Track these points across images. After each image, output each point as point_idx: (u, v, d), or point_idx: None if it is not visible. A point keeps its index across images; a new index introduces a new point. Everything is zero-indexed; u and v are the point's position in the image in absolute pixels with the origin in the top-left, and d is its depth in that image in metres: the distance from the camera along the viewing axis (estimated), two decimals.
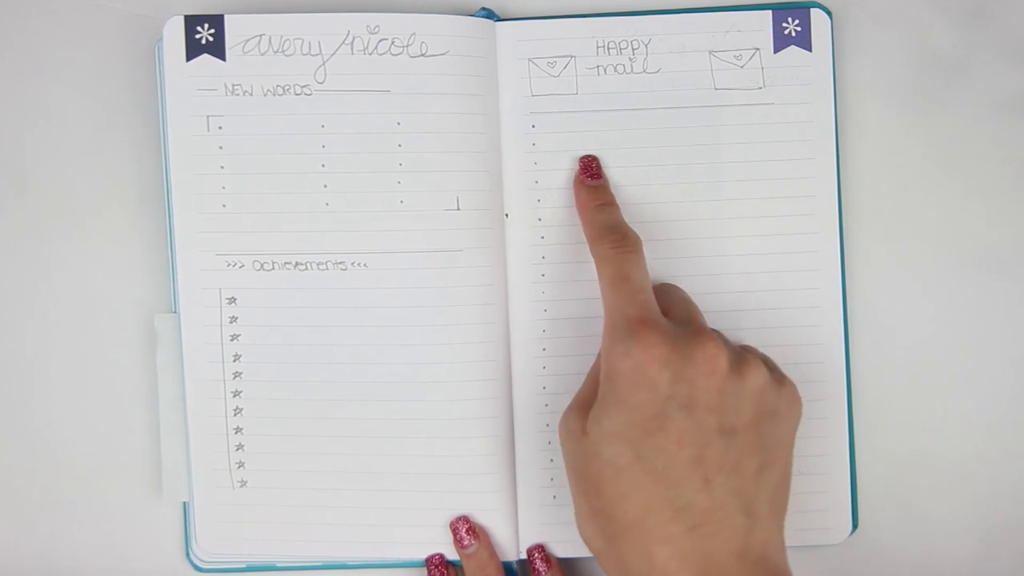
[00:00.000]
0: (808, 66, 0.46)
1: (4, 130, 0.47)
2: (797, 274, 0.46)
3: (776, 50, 0.46)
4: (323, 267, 0.45)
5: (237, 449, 0.46)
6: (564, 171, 0.46)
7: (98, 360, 0.47)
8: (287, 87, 0.45)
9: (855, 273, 0.47)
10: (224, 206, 0.45)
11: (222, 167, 0.45)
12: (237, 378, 0.46)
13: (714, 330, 0.40)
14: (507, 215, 0.46)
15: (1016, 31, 0.48)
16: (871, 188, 0.47)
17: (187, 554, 0.47)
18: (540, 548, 0.46)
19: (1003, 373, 0.48)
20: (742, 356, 0.39)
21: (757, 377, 0.39)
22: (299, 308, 0.45)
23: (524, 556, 0.46)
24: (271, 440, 0.46)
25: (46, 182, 0.47)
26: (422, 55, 0.45)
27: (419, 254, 0.45)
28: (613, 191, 0.46)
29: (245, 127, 0.45)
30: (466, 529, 0.45)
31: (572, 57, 0.46)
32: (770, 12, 0.46)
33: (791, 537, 0.41)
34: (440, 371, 0.45)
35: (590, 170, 0.45)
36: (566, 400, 0.46)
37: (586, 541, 0.39)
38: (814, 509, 0.46)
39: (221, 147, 0.45)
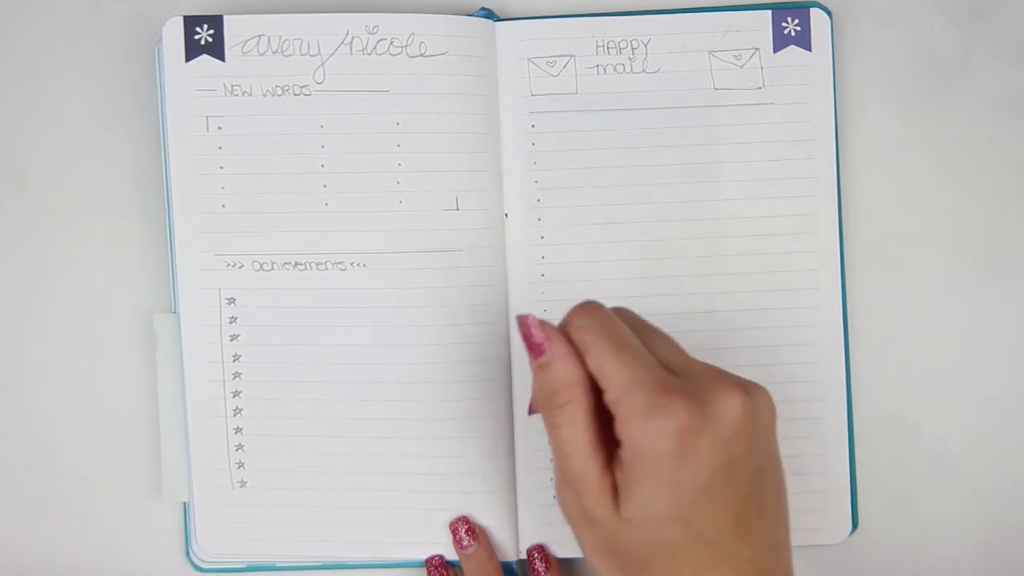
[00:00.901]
0: (808, 66, 0.46)
1: (4, 130, 0.48)
2: (797, 274, 0.46)
3: (776, 50, 0.46)
4: (322, 267, 0.45)
5: (237, 449, 0.46)
6: (564, 171, 0.46)
7: (98, 360, 0.47)
8: (286, 87, 0.45)
9: (855, 273, 0.47)
10: (224, 206, 0.45)
11: (221, 167, 0.45)
12: (237, 378, 0.46)
13: (718, 371, 0.37)
14: (507, 215, 0.46)
15: (1016, 31, 0.48)
16: (871, 188, 0.47)
17: (187, 554, 0.47)
18: (540, 548, 0.46)
19: (1003, 373, 0.48)
20: (752, 392, 0.36)
21: (769, 410, 0.36)
22: (299, 308, 0.45)
23: (524, 556, 0.46)
24: (271, 440, 0.46)
25: (46, 182, 0.48)
26: (421, 55, 0.45)
27: (418, 254, 0.45)
28: (612, 191, 0.45)
29: (244, 127, 0.45)
30: (465, 530, 0.45)
31: (572, 57, 0.46)
32: (770, 12, 0.46)
33: (791, 537, 0.41)
34: (440, 371, 0.45)
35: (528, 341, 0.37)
36: None
37: None
38: (814, 509, 0.46)
39: (220, 147, 0.45)
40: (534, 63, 0.46)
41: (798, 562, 0.40)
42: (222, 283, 0.45)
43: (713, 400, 0.35)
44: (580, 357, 0.36)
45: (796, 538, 0.41)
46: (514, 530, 0.46)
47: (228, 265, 0.45)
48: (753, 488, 0.36)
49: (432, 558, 0.46)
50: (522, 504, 0.46)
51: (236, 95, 0.45)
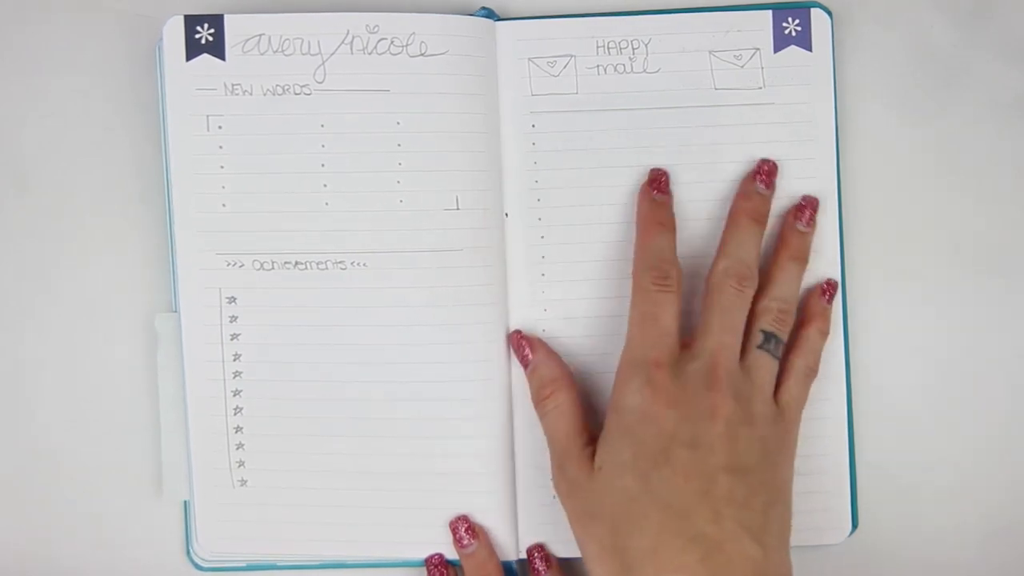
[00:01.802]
0: (808, 66, 0.46)
1: (4, 130, 0.48)
2: None
3: (776, 50, 0.46)
4: (323, 267, 0.45)
5: (237, 448, 0.46)
6: (564, 171, 0.46)
7: (99, 359, 0.47)
8: (287, 87, 0.45)
9: (855, 273, 0.47)
10: (224, 206, 0.45)
11: (222, 167, 0.45)
12: (237, 377, 0.46)
13: (736, 375, 0.41)
14: (507, 215, 0.46)
15: (1016, 31, 0.48)
16: (871, 188, 0.47)
17: (188, 553, 0.47)
18: (540, 548, 0.46)
19: (1003, 373, 0.48)
20: (749, 405, 0.41)
21: (764, 426, 0.41)
22: (299, 307, 0.45)
23: (524, 556, 0.46)
24: (271, 439, 0.46)
25: (46, 182, 0.48)
26: (422, 55, 0.45)
27: (418, 254, 0.45)
28: (612, 191, 0.46)
29: (245, 127, 0.45)
30: (465, 528, 0.45)
31: (572, 57, 0.46)
32: (770, 12, 0.46)
33: (791, 537, 0.41)
34: (439, 371, 0.45)
35: (658, 183, 0.45)
36: None
37: None
38: (814, 509, 0.46)
39: (221, 147, 0.45)
40: (534, 63, 0.46)
41: (798, 562, 0.40)
42: (222, 282, 0.45)
43: (700, 391, 0.40)
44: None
45: (796, 538, 0.41)
46: (514, 529, 0.46)
47: (228, 264, 0.45)
48: (733, 480, 0.39)
49: (432, 557, 0.46)
50: (522, 503, 0.46)
51: (237, 94, 0.45)
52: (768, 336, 0.43)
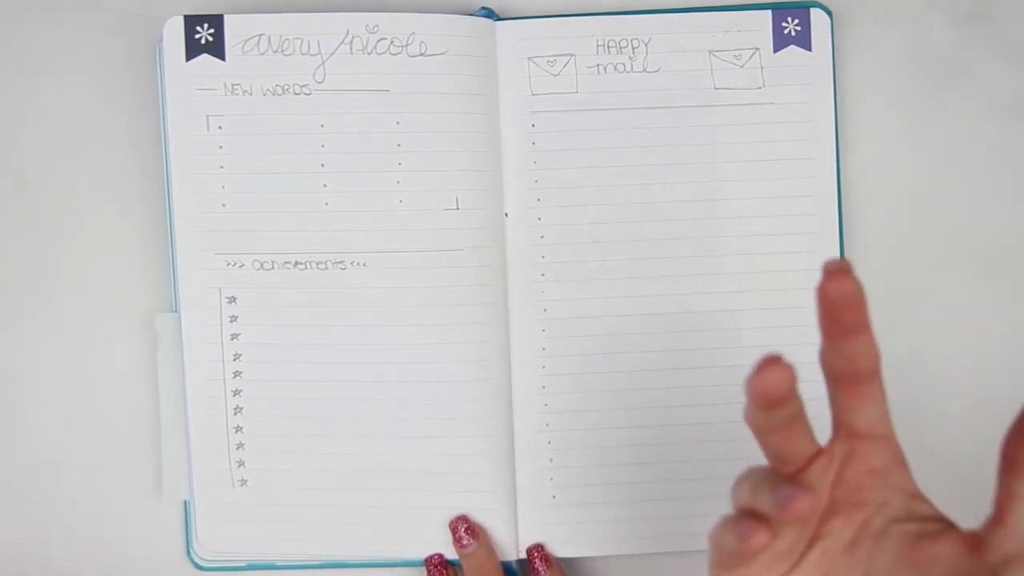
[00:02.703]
0: (808, 66, 0.46)
1: (4, 130, 0.48)
2: (797, 273, 0.46)
3: (776, 50, 0.46)
4: (323, 266, 0.45)
5: (237, 448, 0.46)
6: (564, 170, 0.46)
7: (99, 359, 0.47)
8: (286, 87, 0.45)
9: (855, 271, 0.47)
10: (224, 205, 0.45)
11: (222, 167, 0.45)
12: (237, 377, 0.46)
13: None
14: (507, 214, 0.46)
15: (1016, 31, 0.48)
16: (871, 188, 0.47)
17: (188, 553, 0.47)
18: (540, 548, 0.46)
19: (1003, 372, 0.48)
20: None
21: None
22: (299, 307, 0.45)
23: (524, 556, 0.46)
24: (271, 439, 0.46)
25: (46, 182, 0.48)
26: (421, 54, 0.45)
27: (418, 253, 0.45)
28: (612, 190, 0.46)
29: (245, 127, 0.45)
30: (465, 528, 0.45)
31: (572, 56, 0.46)
32: (770, 12, 0.46)
33: None
34: (439, 370, 0.45)
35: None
36: (565, 399, 0.46)
37: None
38: None
39: (221, 147, 0.45)
40: (534, 62, 0.46)
41: None
42: (222, 282, 0.45)
43: None
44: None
45: None
46: (514, 529, 0.46)
47: (228, 264, 0.45)
48: None
49: (432, 557, 0.46)
50: (522, 503, 0.46)
51: (236, 94, 0.45)
52: None
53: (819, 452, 0.32)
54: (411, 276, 0.45)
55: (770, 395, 0.31)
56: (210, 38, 0.45)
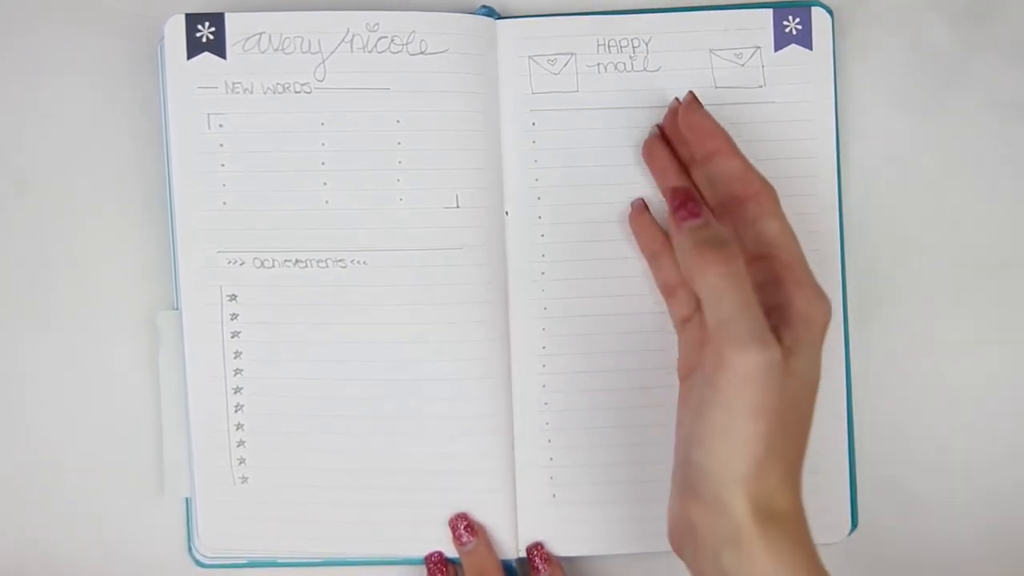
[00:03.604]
0: (809, 65, 0.46)
1: (4, 130, 0.48)
2: None
3: (777, 48, 0.46)
4: (323, 264, 0.45)
5: (238, 445, 0.46)
6: (564, 169, 0.46)
7: (100, 357, 0.47)
8: (287, 85, 0.45)
9: (855, 272, 0.47)
10: (225, 203, 0.45)
11: (223, 165, 0.45)
12: (238, 375, 0.46)
13: None
14: (507, 213, 0.46)
15: (1016, 31, 0.48)
16: (871, 187, 0.47)
17: (189, 550, 0.47)
18: (540, 546, 0.46)
19: (1002, 372, 0.48)
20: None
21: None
22: (299, 305, 0.45)
23: (524, 554, 0.46)
24: (272, 437, 0.46)
25: (46, 181, 0.48)
26: (422, 53, 0.45)
27: (419, 252, 0.45)
28: (612, 189, 0.46)
29: (245, 125, 0.45)
30: (465, 526, 0.45)
31: (573, 55, 0.46)
32: (771, 10, 0.46)
33: None
34: (440, 369, 0.45)
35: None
36: (566, 398, 0.46)
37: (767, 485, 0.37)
38: (814, 508, 0.46)
39: (222, 145, 0.45)
40: (535, 61, 0.46)
41: None
42: (223, 280, 0.45)
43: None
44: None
45: None
46: (514, 528, 0.46)
47: (229, 262, 0.45)
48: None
49: (431, 555, 0.46)
50: (522, 502, 0.46)
51: (237, 93, 0.45)
52: None
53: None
54: (411, 274, 0.45)
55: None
56: (211, 36, 0.45)
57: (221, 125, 0.45)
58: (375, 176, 0.45)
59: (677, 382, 0.43)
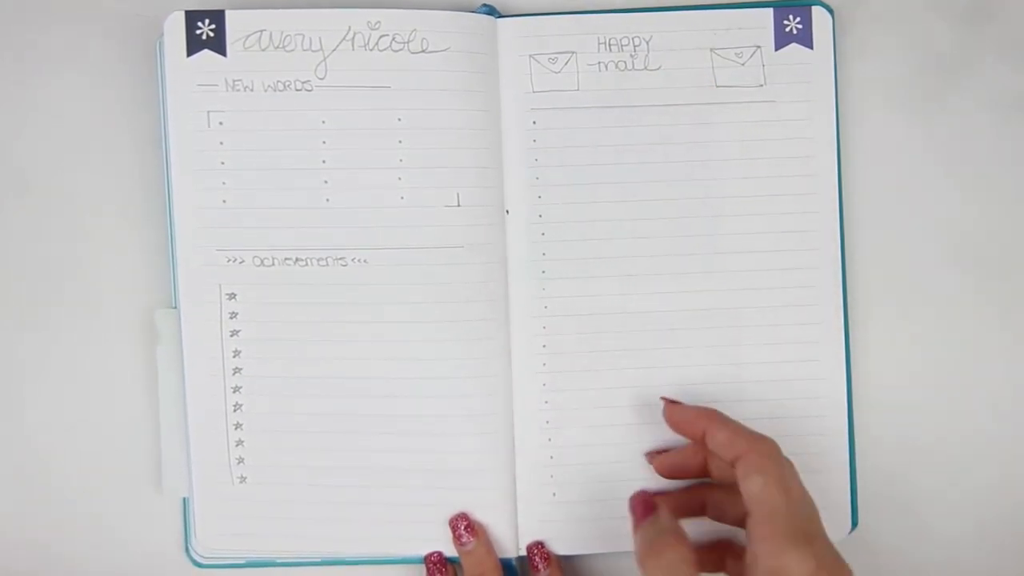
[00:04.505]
0: (809, 64, 0.46)
1: (4, 130, 0.47)
2: (797, 271, 0.46)
3: (777, 48, 0.46)
4: (323, 263, 0.45)
5: (237, 445, 0.46)
6: (565, 168, 0.46)
7: (99, 355, 0.47)
8: (288, 83, 0.45)
9: (855, 272, 0.47)
10: (224, 202, 0.45)
11: (222, 163, 0.45)
12: (237, 374, 0.45)
13: None
14: (508, 211, 0.46)
15: (1016, 31, 0.48)
16: (871, 186, 0.47)
17: (187, 549, 0.47)
18: (540, 545, 0.46)
19: (1002, 372, 0.48)
20: None
21: None
22: (299, 304, 0.45)
23: (524, 553, 0.46)
24: (271, 436, 0.46)
25: (47, 179, 0.47)
26: (423, 51, 0.45)
27: (419, 250, 0.45)
28: (613, 188, 0.46)
29: (246, 123, 0.45)
30: (465, 526, 0.45)
31: (573, 53, 0.46)
32: (771, 10, 0.46)
33: None
34: (440, 367, 0.45)
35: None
36: (566, 397, 0.46)
37: None
38: None
39: (222, 143, 0.45)
40: (536, 60, 0.46)
41: None
42: (223, 278, 0.45)
43: None
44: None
45: None
46: (514, 527, 0.46)
47: (229, 260, 0.45)
48: None
49: (431, 555, 0.46)
50: (522, 501, 0.46)
51: (238, 90, 0.45)
52: None
53: None
54: (412, 273, 0.45)
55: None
56: (211, 34, 0.45)
57: (221, 123, 0.45)
58: (376, 174, 0.45)
59: (678, 379, 0.44)
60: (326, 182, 0.45)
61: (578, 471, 0.46)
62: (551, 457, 0.46)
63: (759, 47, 0.46)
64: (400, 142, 0.45)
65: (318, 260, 0.45)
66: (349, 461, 0.46)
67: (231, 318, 0.45)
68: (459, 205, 0.45)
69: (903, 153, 0.48)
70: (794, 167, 0.46)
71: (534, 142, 0.46)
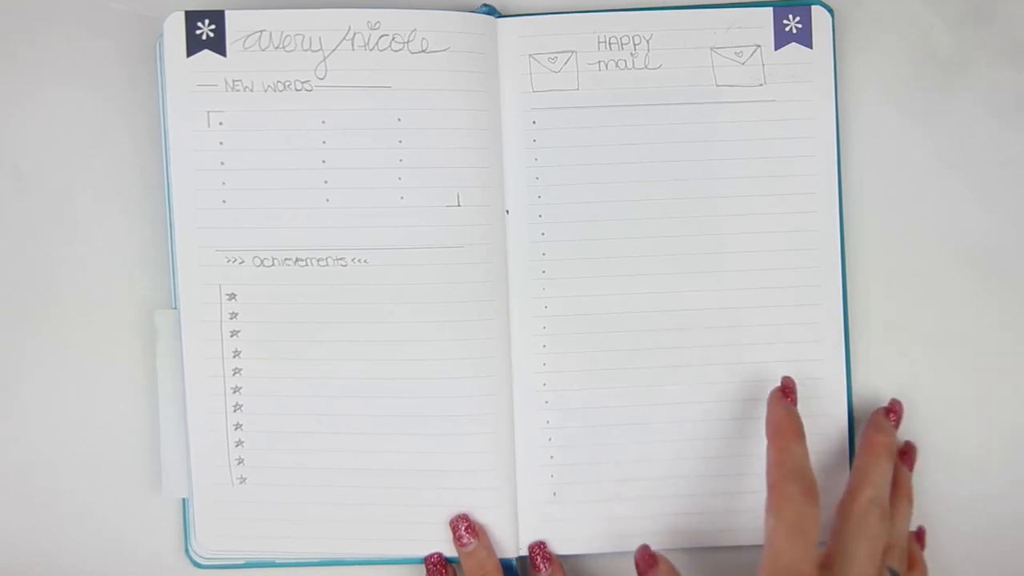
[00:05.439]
0: (809, 63, 0.46)
1: (4, 130, 0.47)
2: (797, 271, 0.46)
3: (777, 47, 0.46)
4: (323, 263, 0.45)
5: (236, 445, 0.46)
6: (565, 167, 0.46)
7: (98, 355, 0.47)
8: (287, 83, 0.45)
9: (855, 271, 0.47)
10: (224, 202, 0.45)
11: (222, 163, 0.45)
12: (237, 374, 0.45)
13: None
14: (508, 211, 0.46)
15: (1016, 31, 0.48)
16: (871, 186, 0.47)
17: (186, 550, 0.47)
18: (540, 545, 0.46)
19: (1002, 372, 0.48)
20: None
21: None
22: (299, 304, 0.45)
23: (524, 553, 0.46)
24: (271, 436, 0.46)
25: (46, 179, 0.47)
26: (423, 51, 0.45)
27: (419, 250, 0.45)
28: (613, 187, 0.46)
29: (245, 123, 0.45)
30: (465, 527, 0.45)
31: (573, 53, 0.46)
32: (771, 9, 0.46)
33: None
34: (440, 367, 0.45)
35: (790, 392, 0.45)
36: (566, 396, 0.46)
37: None
38: None
39: (221, 143, 0.45)
40: (536, 59, 0.46)
41: None
42: (222, 279, 0.45)
43: None
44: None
45: None
46: (514, 527, 0.46)
47: (228, 261, 0.45)
48: None
49: (431, 556, 0.46)
50: (522, 501, 0.46)
51: (237, 90, 0.45)
52: (894, 574, 0.43)
53: None
54: (412, 273, 0.45)
55: None
56: (211, 34, 0.45)
57: (221, 123, 0.45)
58: (376, 174, 0.45)
59: (678, 379, 0.44)
60: (326, 182, 0.45)
61: (579, 471, 0.46)
62: (551, 457, 0.46)
63: (759, 46, 0.46)
64: (400, 142, 0.45)
65: (318, 260, 0.45)
66: (349, 462, 0.46)
67: (231, 318, 0.45)
68: (459, 205, 0.45)
69: (903, 152, 0.48)
70: (794, 166, 0.46)
71: (534, 142, 0.46)
